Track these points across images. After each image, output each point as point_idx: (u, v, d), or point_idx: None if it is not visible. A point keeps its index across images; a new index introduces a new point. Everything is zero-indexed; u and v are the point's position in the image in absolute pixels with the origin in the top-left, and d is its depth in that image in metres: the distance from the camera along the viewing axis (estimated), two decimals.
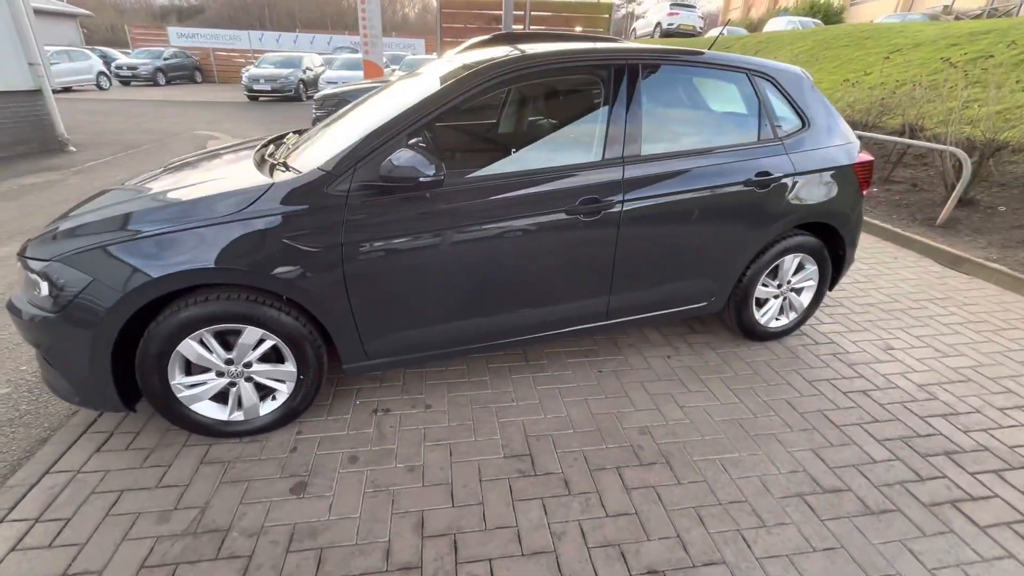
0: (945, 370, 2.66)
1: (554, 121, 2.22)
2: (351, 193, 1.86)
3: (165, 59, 20.48)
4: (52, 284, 1.71)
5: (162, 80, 20.20)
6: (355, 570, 1.55)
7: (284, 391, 2.06)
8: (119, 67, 19.27)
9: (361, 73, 15.18)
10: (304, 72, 15.90)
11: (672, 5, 20.05)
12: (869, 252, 4.27)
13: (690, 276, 2.47)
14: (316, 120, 6.63)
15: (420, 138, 1.93)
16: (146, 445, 2.01)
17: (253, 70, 15.60)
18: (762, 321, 2.78)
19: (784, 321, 2.86)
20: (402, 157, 1.79)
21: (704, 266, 2.47)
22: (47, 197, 5.59)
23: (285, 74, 15.23)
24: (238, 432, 2.04)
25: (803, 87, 2.57)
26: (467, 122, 2.77)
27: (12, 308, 1.87)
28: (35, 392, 2.41)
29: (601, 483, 1.90)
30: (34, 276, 1.76)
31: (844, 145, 2.63)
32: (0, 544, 1.59)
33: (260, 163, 2.23)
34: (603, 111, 2.17)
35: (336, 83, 14.97)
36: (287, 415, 2.08)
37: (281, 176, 1.96)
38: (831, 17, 28.00)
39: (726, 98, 2.45)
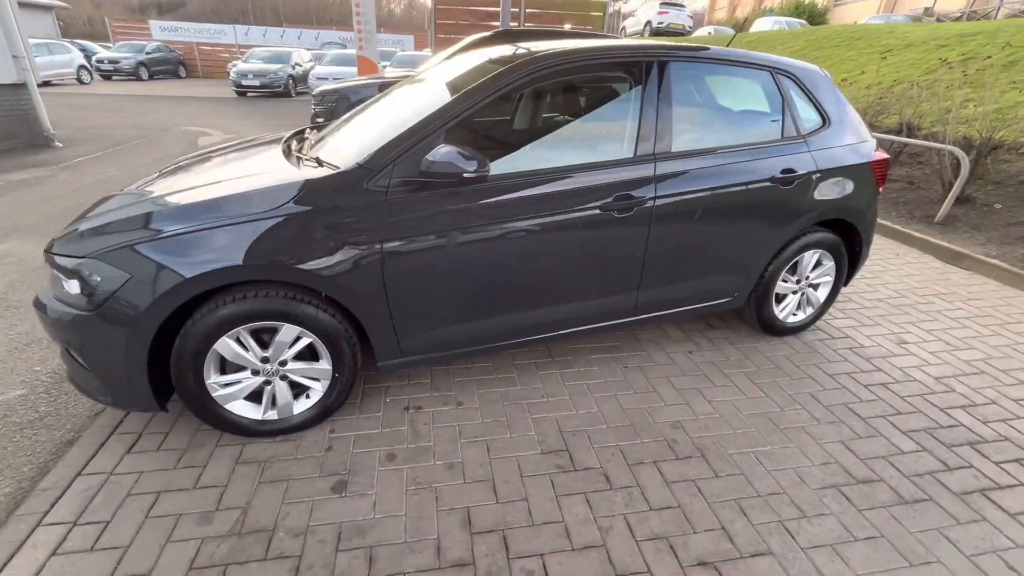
0: (958, 363, 2.73)
1: (585, 117, 2.22)
2: (390, 188, 1.84)
3: (148, 53, 20.02)
4: (85, 281, 1.67)
5: (145, 75, 19.74)
6: (408, 568, 1.54)
7: (318, 389, 2.03)
8: (100, 61, 18.79)
9: (352, 69, 15.09)
10: (293, 68, 15.67)
11: (662, 4, 20.17)
12: (873, 248, 4.35)
13: (715, 272, 2.50)
14: (315, 116, 6.54)
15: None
16: (178, 446, 1.98)
17: (241, 65, 15.33)
18: (781, 316, 2.83)
19: (801, 316, 2.90)
20: (444, 152, 1.77)
21: (729, 262, 2.50)
22: (36, 194, 5.44)
23: (274, 69, 14.99)
24: (272, 431, 2.01)
25: (824, 85, 2.61)
26: (486, 118, 2.76)
27: (39, 305, 1.82)
28: (53, 393, 2.35)
29: (641, 477, 1.91)
30: (64, 273, 1.71)
31: (862, 143, 2.68)
32: (40, 549, 1.55)
33: (290, 158, 2.20)
34: (634, 107, 2.17)
35: (327, 79, 14.77)
36: (321, 413, 2.06)
37: (317, 171, 1.93)
38: (816, 18, 28.46)
39: (751, 95, 2.47)
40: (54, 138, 7.85)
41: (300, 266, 1.76)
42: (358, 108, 2.89)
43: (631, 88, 2.18)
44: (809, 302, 2.89)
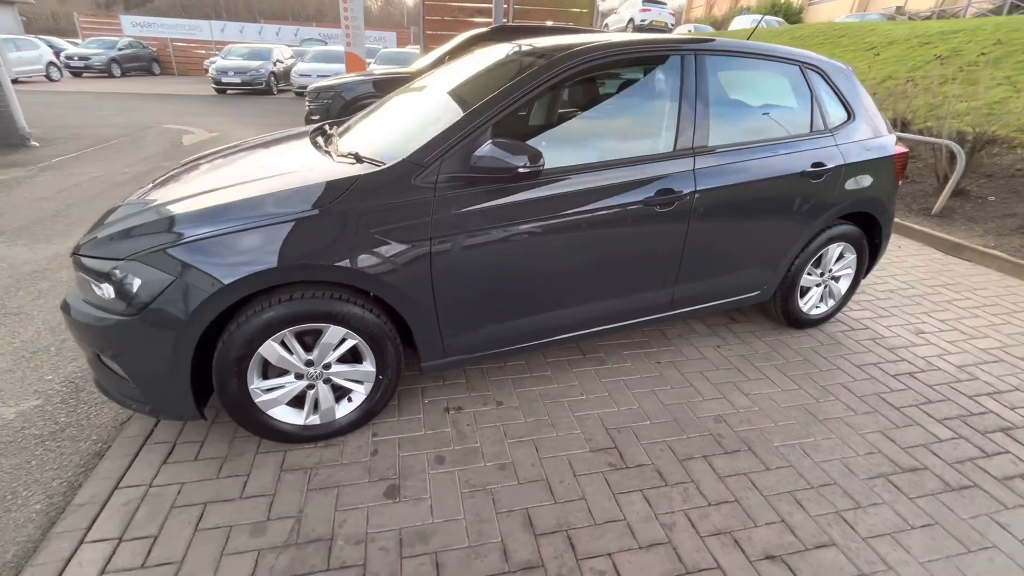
0: (976, 351, 2.79)
1: (626, 111, 2.20)
2: (438, 184, 1.79)
3: (120, 49, 19.33)
4: (122, 285, 1.59)
5: (117, 71, 19.07)
6: (477, 573, 1.51)
7: (361, 392, 1.98)
8: (70, 57, 18.08)
9: (336, 66, 14.84)
10: (275, 65, 15.33)
11: (644, 1, 20.27)
12: None
13: (747, 266, 2.51)
14: (310, 114, 6.38)
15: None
16: (216, 454, 1.90)
17: (221, 62, 14.93)
18: (805, 309, 2.86)
19: (823, 308, 2.94)
20: (496, 147, 1.73)
21: (760, 255, 2.51)
22: (19, 195, 5.22)
23: (255, 66, 14.64)
24: (314, 437, 1.95)
25: (848, 80, 2.64)
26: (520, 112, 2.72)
27: (67, 309, 1.73)
28: (70, 402, 2.24)
29: (694, 472, 1.91)
30: (96, 277, 1.63)
31: (883, 137, 2.72)
32: (88, 567, 1.47)
33: (323, 154, 2.13)
34: (672, 101, 2.16)
35: (310, 76, 14.50)
36: (363, 417, 2.01)
37: (357, 168, 1.87)
38: (791, 16, 29.04)
39: (781, 89, 2.49)
40: (30, 137, 7.53)
41: (349, 265, 1.70)
42: (379, 103, 2.83)
43: (669, 82, 2.16)
44: (831, 294, 2.92)
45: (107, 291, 1.63)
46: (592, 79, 2.09)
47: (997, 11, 18.04)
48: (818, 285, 2.85)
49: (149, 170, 6.41)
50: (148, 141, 8.30)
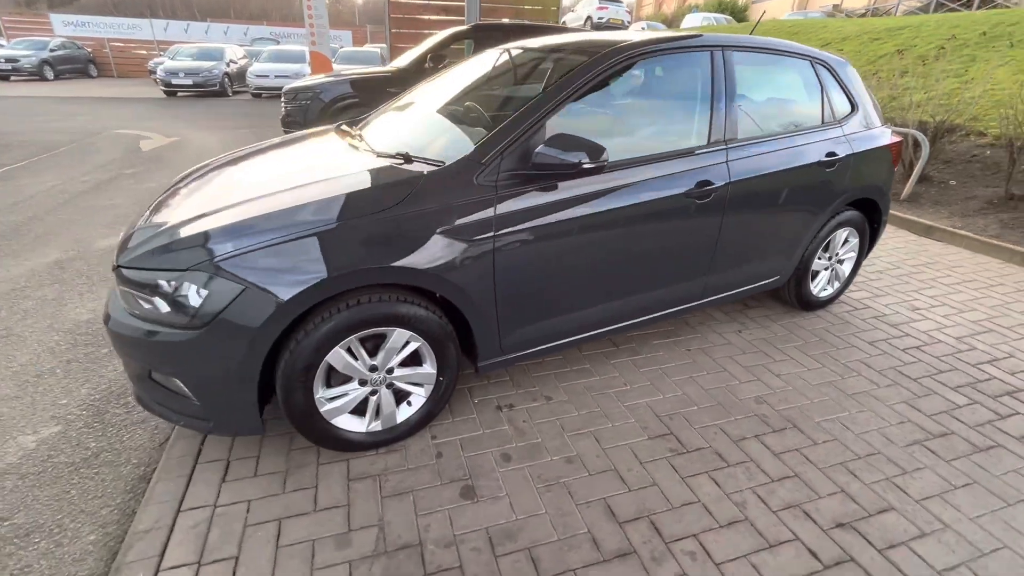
0: (968, 324, 3.02)
1: (665, 105, 2.25)
2: (499, 182, 1.79)
3: (52, 51, 18.03)
4: (184, 297, 1.51)
5: (50, 74, 17.79)
6: (573, 564, 1.52)
7: (421, 395, 1.95)
8: None
9: (294, 66, 14.38)
10: (228, 65, 14.69)
11: (600, 0, 20.63)
12: None
13: (770, 253, 2.62)
14: (287, 116, 6.16)
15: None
16: (275, 469, 1.83)
17: (169, 63, 14.16)
18: (815, 292, 3.01)
19: (830, 291, 3.11)
20: (559, 143, 1.75)
21: (781, 242, 2.63)
22: None
23: (208, 67, 13.97)
24: (377, 443, 1.91)
25: (850, 74, 2.80)
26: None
27: (114, 325, 1.63)
28: (95, 426, 2.11)
29: (750, 452, 1.99)
30: (145, 291, 1.54)
31: (881, 127, 2.90)
32: None
33: (371, 155, 2.07)
34: (705, 95, 2.24)
35: (267, 76, 14.03)
36: (423, 420, 1.98)
37: (411, 167, 1.84)
38: (737, 14, 30.25)
39: (795, 83, 2.61)
40: None
41: (419, 266, 1.68)
42: (398, 102, 2.78)
43: (702, 77, 2.23)
44: (837, 277, 3.09)
45: (159, 304, 1.55)
46: (633, 75, 2.13)
47: (924, 9, 19.40)
48: (826, 268, 3.01)
49: (112, 178, 6.05)
50: (101, 147, 7.81)
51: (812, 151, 2.52)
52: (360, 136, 2.40)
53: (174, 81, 13.66)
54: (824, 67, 2.67)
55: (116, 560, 1.50)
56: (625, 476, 1.86)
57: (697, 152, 2.19)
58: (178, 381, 1.61)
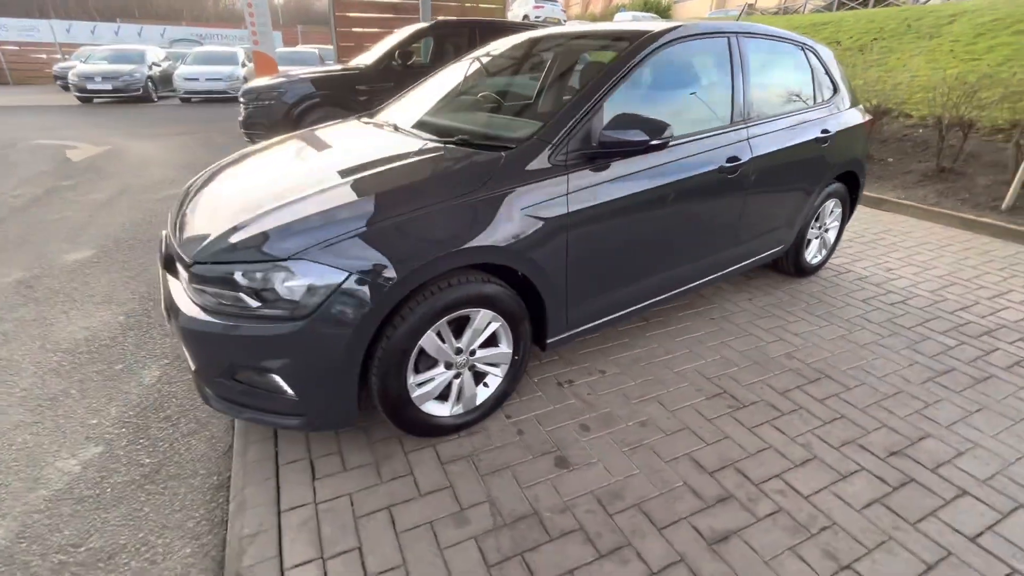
0: (935, 279, 3.42)
1: (698, 86, 2.40)
2: (568, 161, 1.86)
3: None
4: (280, 287, 1.47)
5: None
6: (683, 513, 1.62)
7: (497, 375, 1.98)
8: None
9: (226, 68, 13.60)
10: (151, 68, 13.63)
11: None
12: None
13: (779, 224, 2.85)
14: (248, 118, 5.85)
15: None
16: (363, 461, 1.80)
17: (83, 66, 12.94)
18: (808, 259, 3.29)
19: (819, 258, 3.41)
20: (625, 122, 1.84)
21: (788, 213, 2.87)
22: None
23: (128, 70, 12.90)
24: (459, 426, 1.92)
25: (832, 59, 3.08)
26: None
27: (197, 324, 1.54)
28: (142, 442, 1.97)
29: (798, 401, 2.17)
30: (226, 287, 1.49)
31: (857, 107, 3.22)
32: None
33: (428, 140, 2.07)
34: (727, 77, 2.41)
35: (198, 79, 13.19)
36: (498, 400, 2.01)
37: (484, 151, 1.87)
38: (662, 13, 31.72)
39: (792, 66, 2.84)
40: None
41: (508, 246, 1.71)
42: (419, 90, 2.76)
43: (724, 60, 2.40)
44: (824, 244, 3.40)
45: (248, 298, 1.49)
46: (671, 57, 2.24)
47: (829, 7, 21.27)
48: (816, 237, 3.30)
49: (49, 191, 5.51)
50: (22, 160, 7.08)
51: (811, 128, 2.77)
52: (395, 125, 2.38)
53: (90, 86, 12.51)
54: (812, 52, 2.93)
55: (229, 567, 1.44)
56: (699, 432, 1.98)
57: (726, 130, 2.35)
58: (276, 376, 1.55)
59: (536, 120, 2.12)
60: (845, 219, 3.42)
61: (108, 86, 12.62)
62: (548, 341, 2.07)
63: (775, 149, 2.56)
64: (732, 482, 1.75)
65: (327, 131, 2.52)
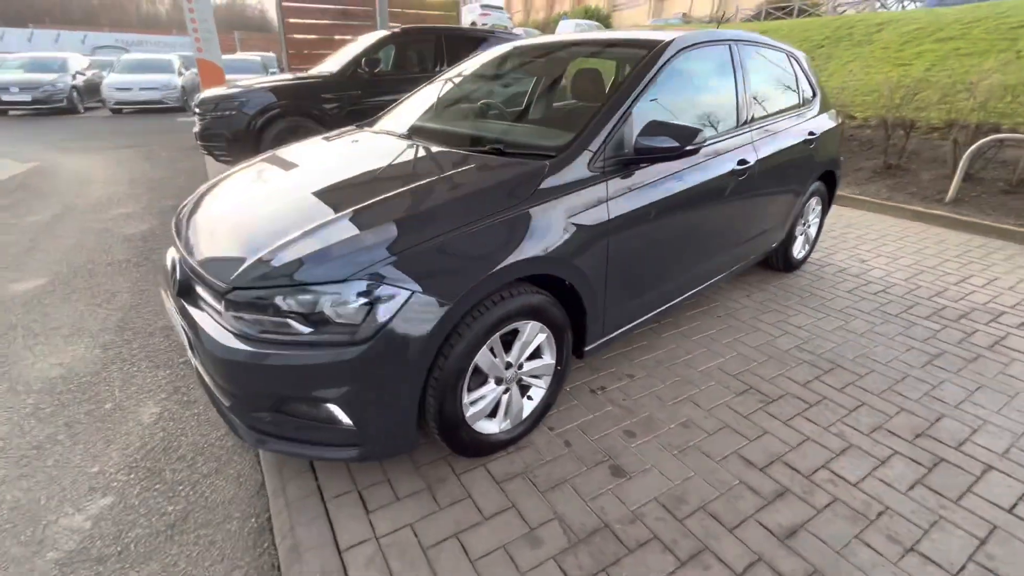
0: (905, 267, 3.67)
1: (710, 91, 2.45)
2: (606, 168, 1.86)
3: None
4: (338, 309, 1.38)
5: None
6: (748, 511, 1.64)
7: (541, 387, 1.94)
8: None
9: (161, 76, 12.80)
10: (75, 77, 12.59)
11: (482, 7, 21.11)
12: None
13: (775, 222, 2.97)
14: (206, 130, 5.49)
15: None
16: (415, 488, 1.71)
17: None
18: (795, 254, 3.46)
19: (803, 252, 3.58)
20: (659, 129, 1.85)
21: (781, 211, 2.99)
22: None
23: (49, 80, 11.84)
24: (507, 442, 1.86)
25: (808, 65, 3.26)
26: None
27: (236, 354, 1.41)
28: (159, 488, 1.79)
29: (820, 392, 2.26)
30: (272, 310, 1.39)
31: (831, 110, 3.41)
32: None
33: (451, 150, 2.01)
34: (731, 83, 2.49)
35: (131, 88, 12.34)
36: (542, 412, 1.97)
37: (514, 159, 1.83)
38: (602, 21, 32.69)
39: (779, 72, 2.97)
40: None
41: (556, 255, 1.68)
42: (418, 100, 2.68)
43: (728, 66, 2.48)
44: (808, 240, 3.58)
45: (296, 325, 1.39)
46: (687, 63, 2.29)
47: (757, 16, 22.63)
48: (801, 234, 3.47)
49: None
50: None
51: (800, 130, 2.92)
52: (411, 134, 2.30)
53: (5, 97, 11.40)
54: (793, 58, 3.09)
55: None
56: (739, 429, 2.02)
57: (735, 134, 2.43)
58: (332, 406, 1.44)
59: (560, 128, 2.11)
60: (823, 216, 3.62)
61: (27, 97, 11.54)
62: (586, 348, 2.05)
63: (774, 151, 2.67)
64: (784, 476, 1.79)
65: (337, 142, 2.40)
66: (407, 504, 1.65)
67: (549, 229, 1.67)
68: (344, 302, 1.37)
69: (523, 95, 2.44)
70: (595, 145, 1.84)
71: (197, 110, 5.61)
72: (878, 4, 21.10)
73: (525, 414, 1.91)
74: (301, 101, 5.64)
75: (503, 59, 2.70)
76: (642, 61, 2.09)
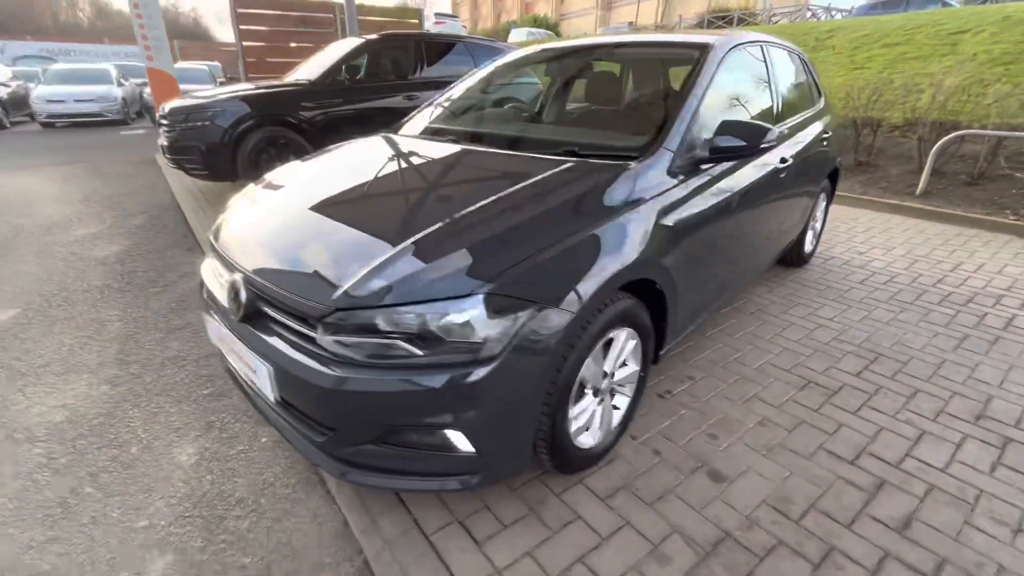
0: (901, 257, 3.87)
1: (752, 89, 2.48)
2: (684, 168, 1.83)
3: None
4: (460, 327, 1.26)
5: None
6: (855, 506, 1.64)
7: (627, 395, 1.88)
8: None
9: (98, 87, 11.91)
10: None
11: (436, 15, 21.05)
12: None
13: (797, 217, 3.05)
14: (174, 143, 5.09)
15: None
16: (519, 512, 1.61)
17: None
18: (806, 248, 3.57)
19: (811, 246, 3.71)
20: (735, 129, 1.84)
21: (803, 207, 3.08)
22: None
23: None
24: (599, 455, 1.79)
25: (813, 66, 3.38)
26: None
27: (354, 385, 1.27)
28: (226, 539, 1.59)
29: (873, 380, 2.32)
30: (392, 330, 1.27)
31: (831, 109, 3.56)
32: None
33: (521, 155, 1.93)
34: (767, 81, 2.54)
35: (64, 100, 11.41)
36: (626, 421, 1.90)
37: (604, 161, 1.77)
38: (552, 30, 33.29)
39: (796, 72, 3.06)
40: None
41: (653, 259, 1.64)
42: (462, 98, 2.57)
43: (762, 65, 2.52)
44: (815, 234, 3.70)
45: (408, 347, 1.27)
46: (734, 64, 2.31)
47: (700, 25, 23.69)
48: (810, 228, 3.59)
49: None
50: None
51: (817, 128, 3.01)
52: (458, 138, 2.19)
53: None
54: (802, 59, 3.20)
55: None
56: (817, 424, 2.03)
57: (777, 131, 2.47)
58: (450, 432, 1.32)
59: (627, 131, 2.07)
60: (827, 212, 3.76)
61: None
62: (662, 352, 2.00)
63: (802, 148, 2.74)
64: (876, 467, 1.81)
65: (386, 146, 2.24)
66: (516, 531, 1.54)
67: (646, 232, 1.62)
68: (466, 320, 1.26)
69: (568, 98, 2.39)
70: (674, 145, 1.81)
71: (164, 122, 5.21)
72: (809, 14, 22.61)
73: (614, 424, 1.84)
74: (280, 110, 5.35)
75: (541, 61, 2.64)
76: (699, 61, 2.08)
